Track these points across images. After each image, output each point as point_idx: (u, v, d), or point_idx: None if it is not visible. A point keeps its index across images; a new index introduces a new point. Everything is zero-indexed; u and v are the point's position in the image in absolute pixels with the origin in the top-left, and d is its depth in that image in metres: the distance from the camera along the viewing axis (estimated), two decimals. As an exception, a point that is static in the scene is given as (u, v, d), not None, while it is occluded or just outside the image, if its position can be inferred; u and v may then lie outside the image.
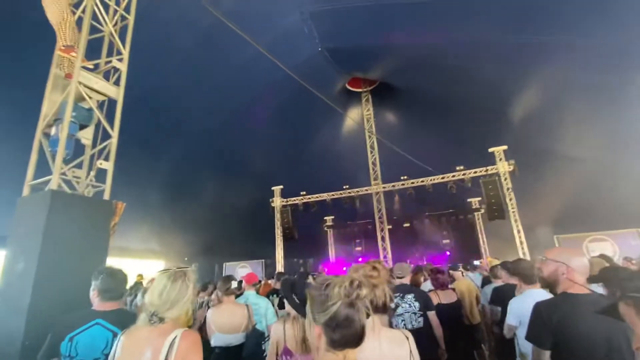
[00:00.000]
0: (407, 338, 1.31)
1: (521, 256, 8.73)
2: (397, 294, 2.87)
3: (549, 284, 1.68)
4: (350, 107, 14.07)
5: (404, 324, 2.79)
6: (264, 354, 2.62)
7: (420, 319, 2.83)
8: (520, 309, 2.29)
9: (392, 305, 2.77)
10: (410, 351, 1.27)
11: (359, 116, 13.97)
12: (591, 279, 2.93)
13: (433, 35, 8.49)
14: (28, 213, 2.67)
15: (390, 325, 2.70)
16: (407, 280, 3.16)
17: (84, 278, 2.08)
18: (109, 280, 1.89)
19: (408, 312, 2.82)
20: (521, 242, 9.30)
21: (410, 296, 2.89)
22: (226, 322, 2.78)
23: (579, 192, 10.79)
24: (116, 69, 3.48)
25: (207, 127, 10.46)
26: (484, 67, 8.96)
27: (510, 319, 2.38)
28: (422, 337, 2.80)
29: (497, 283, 3.93)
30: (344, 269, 13.18)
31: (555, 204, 11.48)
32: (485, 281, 4.83)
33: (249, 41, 6.22)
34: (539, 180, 11.17)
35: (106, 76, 3.48)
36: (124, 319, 1.84)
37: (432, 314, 2.94)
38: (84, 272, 2.09)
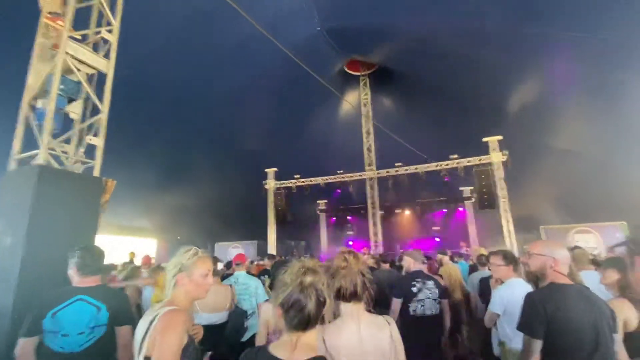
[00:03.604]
0: (389, 323, 1.32)
1: (508, 246, 8.95)
2: (419, 279, 2.91)
3: (538, 278, 1.72)
4: (348, 90, 13.86)
5: (423, 309, 2.82)
6: (246, 330, 2.69)
7: (438, 306, 2.89)
8: (506, 298, 2.33)
9: (414, 290, 2.82)
10: (391, 335, 1.28)
11: (356, 100, 13.79)
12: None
13: (436, 19, 8.28)
14: (15, 187, 2.60)
15: (408, 310, 2.74)
16: (419, 267, 3.13)
17: (73, 255, 2.07)
18: (86, 255, 1.91)
19: (429, 297, 2.86)
20: (509, 232, 9.50)
21: (430, 283, 2.93)
22: (210, 302, 2.83)
23: (567, 185, 10.98)
24: (105, 41, 3.33)
25: (202, 106, 10.24)
26: (484, 56, 8.83)
27: (496, 308, 2.39)
28: (439, 323, 2.91)
29: (484, 271, 4.05)
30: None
31: (544, 195, 11.68)
32: (472, 269, 4.96)
33: (247, 19, 5.99)
34: (530, 172, 11.30)
35: (95, 48, 3.34)
36: (107, 294, 1.86)
37: (445, 302, 3.01)
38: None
